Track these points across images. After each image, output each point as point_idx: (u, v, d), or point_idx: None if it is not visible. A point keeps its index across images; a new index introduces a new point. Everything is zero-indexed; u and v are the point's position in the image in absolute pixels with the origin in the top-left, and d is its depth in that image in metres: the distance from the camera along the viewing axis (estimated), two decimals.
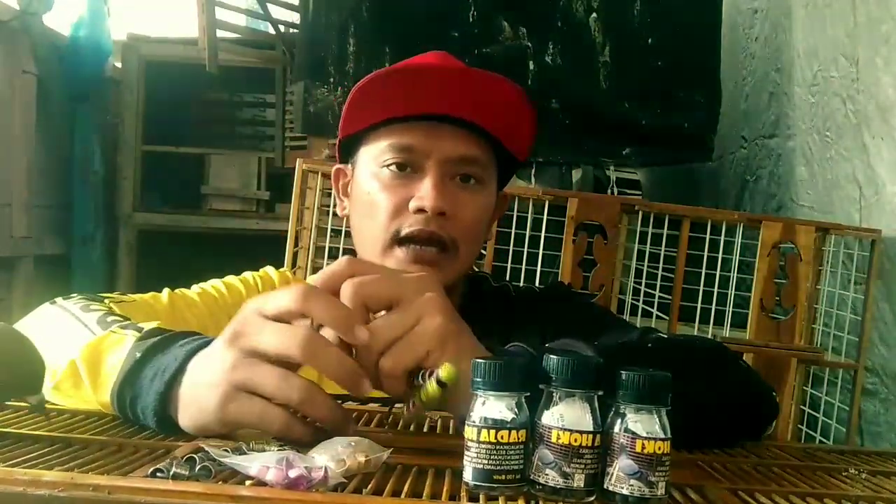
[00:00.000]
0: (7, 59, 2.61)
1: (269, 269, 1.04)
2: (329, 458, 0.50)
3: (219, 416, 0.58)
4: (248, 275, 1.02)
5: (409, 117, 0.89)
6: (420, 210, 0.87)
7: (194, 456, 0.50)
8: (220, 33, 2.84)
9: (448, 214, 0.88)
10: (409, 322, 0.61)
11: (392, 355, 0.60)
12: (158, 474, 0.48)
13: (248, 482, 0.47)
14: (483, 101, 0.88)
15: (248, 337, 0.59)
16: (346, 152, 0.99)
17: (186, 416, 0.60)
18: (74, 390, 0.68)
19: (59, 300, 0.83)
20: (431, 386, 0.57)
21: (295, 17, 2.98)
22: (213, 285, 0.99)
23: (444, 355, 0.60)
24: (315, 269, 1.76)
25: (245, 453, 0.51)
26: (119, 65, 3.35)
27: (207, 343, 0.63)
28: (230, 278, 1.01)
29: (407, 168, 0.90)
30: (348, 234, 1.78)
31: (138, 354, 0.64)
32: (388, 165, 0.90)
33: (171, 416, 0.61)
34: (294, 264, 1.75)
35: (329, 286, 0.62)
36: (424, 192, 0.87)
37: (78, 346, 0.68)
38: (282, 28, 3.11)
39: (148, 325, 0.70)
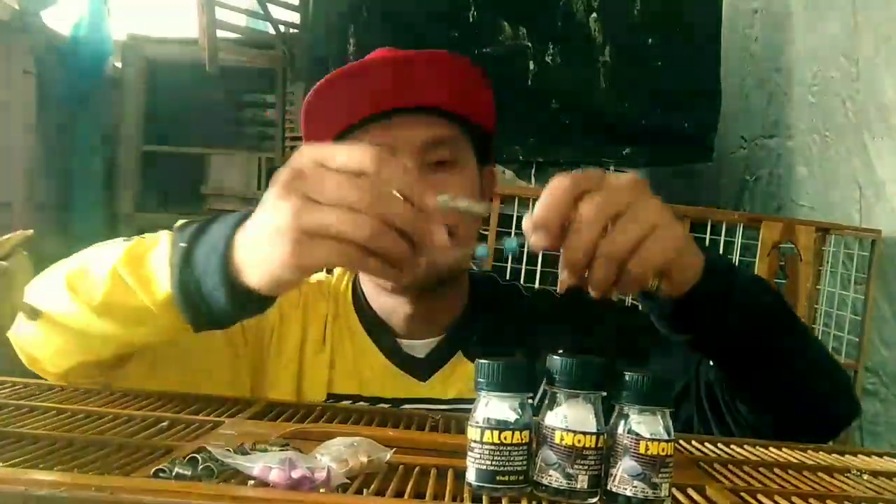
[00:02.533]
0: (7, 59, 2.60)
1: None
2: (331, 458, 0.50)
3: (292, 262, 0.56)
4: None
5: (364, 121, 0.88)
6: None
7: (196, 456, 0.50)
8: (221, 33, 2.84)
9: None
10: (648, 226, 0.61)
11: (643, 254, 0.60)
12: (161, 474, 0.47)
13: (250, 482, 0.47)
14: (430, 82, 0.87)
15: (309, 183, 0.56)
16: None
17: (257, 273, 0.59)
18: (125, 298, 0.66)
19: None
20: None
21: (295, 17, 2.98)
22: None
23: (682, 261, 0.64)
24: None
25: (248, 453, 0.51)
26: (119, 65, 3.35)
27: (247, 215, 0.62)
28: None
29: None
30: None
31: (182, 244, 0.63)
32: None
33: (242, 284, 0.60)
34: None
35: (561, 206, 0.60)
36: None
37: (113, 257, 0.67)
38: (282, 28, 3.11)
39: (178, 223, 0.68)
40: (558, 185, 0.61)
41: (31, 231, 1.06)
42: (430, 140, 0.88)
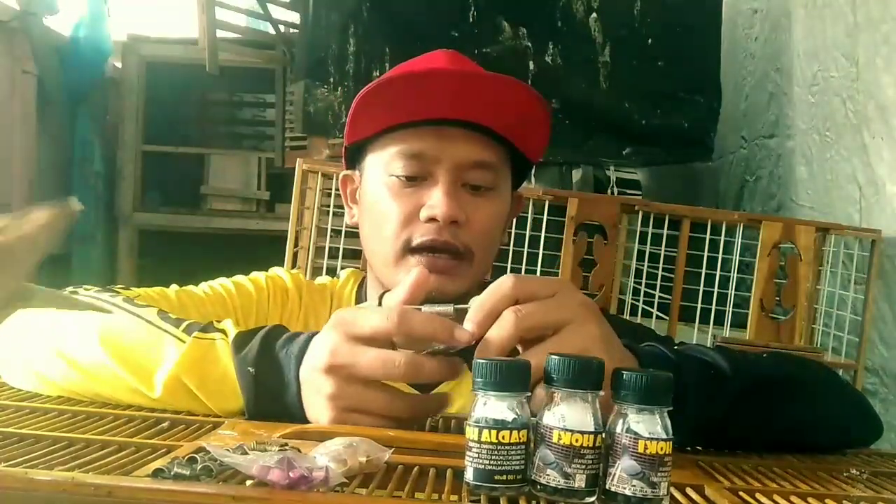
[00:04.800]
0: (7, 59, 2.61)
1: (278, 270, 1.01)
2: (330, 458, 0.50)
3: (336, 427, 0.63)
4: (258, 275, 1.00)
5: (416, 122, 0.86)
6: (431, 219, 0.84)
7: (196, 456, 0.50)
8: (221, 33, 2.85)
9: (461, 223, 0.85)
10: (557, 320, 0.61)
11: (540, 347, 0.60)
12: (160, 474, 0.48)
13: (249, 482, 0.47)
14: (494, 103, 0.85)
15: (345, 367, 0.63)
16: (353, 158, 0.96)
17: (312, 416, 0.65)
18: (188, 400, 0.68)
19: (80, 290, 0.81)
20: None
21: (295, 17, 2.98)
22: (222, 284, 0.96)
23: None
24: (315, 269, 1.76)
25: (246, 453, 0.51)
26: (119, 65, 3.35)
27: (305, 343, 0.66)
28: (239, 278, 0.98)
29: (416, 177, 0.87)
30: (348, 235, 1.79)
31: (251, 370, 0.66)
32: (396, 175, 0.87)
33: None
34: (294, 264, 1.75)
35: (491, 310, 0.61)
36: (435, 200, 0.84)
37: (170, 356, 0.68)
38: (282, 28, 3.11)
39: (225, 327, 0.70)
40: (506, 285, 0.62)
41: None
42: (477, 162, 0.87)
